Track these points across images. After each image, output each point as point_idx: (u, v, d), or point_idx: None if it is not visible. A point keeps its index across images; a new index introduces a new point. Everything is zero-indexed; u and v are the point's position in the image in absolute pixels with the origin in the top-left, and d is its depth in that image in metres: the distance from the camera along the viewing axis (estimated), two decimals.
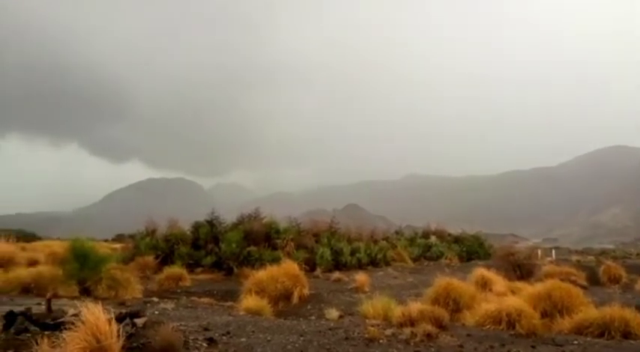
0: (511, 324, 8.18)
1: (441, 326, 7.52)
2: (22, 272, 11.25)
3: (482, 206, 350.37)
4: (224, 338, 6.50)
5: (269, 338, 6.76)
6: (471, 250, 28.30)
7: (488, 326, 8.37)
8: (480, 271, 13.51)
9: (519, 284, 13.33)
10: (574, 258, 28.57)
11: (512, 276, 16.06)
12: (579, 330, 8.23)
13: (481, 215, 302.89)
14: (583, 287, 13.53)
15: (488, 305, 8.94)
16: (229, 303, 11.14)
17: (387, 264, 22.69)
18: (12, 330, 5.41)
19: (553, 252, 34.10)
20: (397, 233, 29.41)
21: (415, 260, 24.67)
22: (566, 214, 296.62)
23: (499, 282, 13.05)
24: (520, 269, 17.39)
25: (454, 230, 32.21)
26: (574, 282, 12.88)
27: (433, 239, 28.25)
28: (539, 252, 28.08)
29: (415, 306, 7.94)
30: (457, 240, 29.49)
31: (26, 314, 5.68)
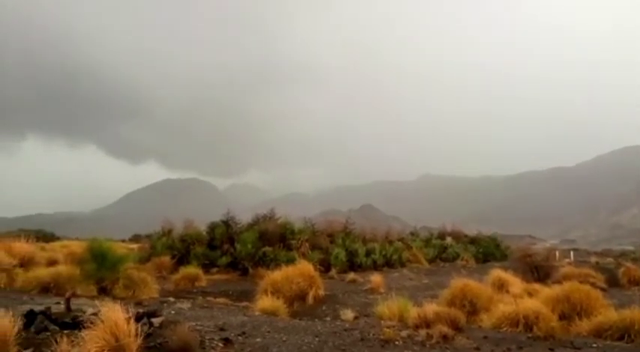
0: (528, 327, 8.09)
1: (457, 328, 7.46)
2: (42, 272, 11.39)
3: (499, 207, 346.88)
4: (240, 338, 6.53)
5: (284, 338, 6.77)
6: (487, 251, 28.02)
7: (505, 329, 8.29)
8: (497, 273, 13.38)
9: (537, 286, 13.17)
10: (593, 259, 28.07)
11: (529, 278, 15.87)
12: (598, 333, 8.11)
13: (497, 216, 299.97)
14: (602, 289, 13.33)
15: (505, 307, 8.84)
16: (245, 303, 11.19)
17: (403, 265, 22.58)
18: (32, 329, 5.49)
19: (571, 253, 33.59)
20: (412, 234, 29.25)
21: (431, 261, 24.51)
22: (585, 215, 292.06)
23: (516, 284, 12.91)
24: (537, 270, 17.19)
25: (470, 231, 31.91)
26: (593, 284, 12.70)
27: (449, 240, 28.04)
28: (557, 253, 27.70)
29: (431, 308, 7.88)
30: (473, 241, 29.23)
31: (46, 313, 5.76)
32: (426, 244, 26.85)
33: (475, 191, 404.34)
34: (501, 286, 12.60)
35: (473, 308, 9.61)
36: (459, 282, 10.24)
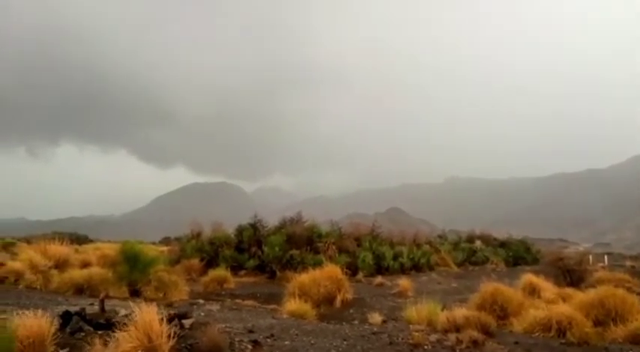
0: (561, 332, 7.91)
1: (487, 332, 7.35)
2: (76, 274, 11.68)
3: (529, 209, 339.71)
4: (268, 340, 6.57)
5: (312, 341, 6.79)
6: (517, 255, 27.54)
7: (537, 334, 8.12)
8: (528, 277, 13.11)
9: (569, 291, 12.83)
10: (628, 263, 27.29)
11: (561, 283, 15.50)
12: (634, 339, 7.87)
13: (527, 219, 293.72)
14: (638, 294, 12.91)
15: (537, 311, 8.66)
16: (272, 306, 11.25)
17: (431, 268, 22.38)
18: (68, 329, 5.64)
19: (605, 257, 32.67)
20: (440, 237, 28.98)
21: (459, 265, 24.22)
22: (619, 218, 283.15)
23: (548, 289, 12.63)
24: (570, 275, 16.76)
25: (499, 234, 31.39)
26: (628, 289, 12.29)
27: (478, 243, 27.66)
28: (591, 257, 26.99)
29: (460, 312, 7.79)
30: (503, 244, 28.76)
31: (81, 314, 5.91)
32: (454, 247, 26.54)
33: (504, 193, 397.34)
34: (533, 291, 12.34)
35: (504, 313, 9.44)
36: (489, 286, 10.08)
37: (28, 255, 12.63)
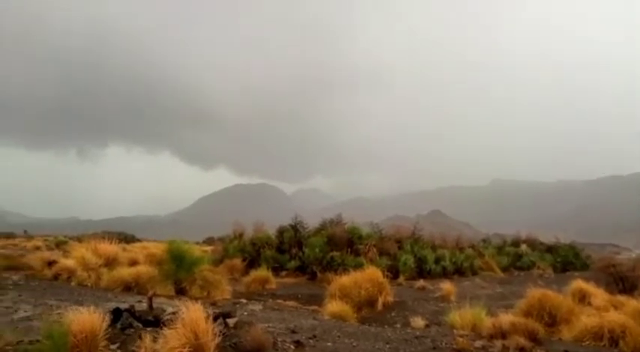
0: (614, 341, 7.60)
1: (535, 340, 7.13)
2: (124, 272, 12.03)
3: (576, 213, 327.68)
4: (310, 341, 6.59)
5: (355, 343, 6.77)
6: (566, 260, 26.53)
7: (587, 342, 7.83)
8: (578, 283, 12.63)
9: (622, 299, 12.27)
10: None
11: (613, 290, 14.84)
12: None
13: (576, 223, 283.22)
14: None
15: (587, 319, 8.34)
16: (314, 307, 11.29)
17: (474, 273, 21.91)
18: (118, 325, 5.83)
19: None
20: (484, 241, 28.30)
21: (504, 270, 23.58)
22: None
23: (599, 296, 12.11)
24: (623, 282, 16.04)
25: (546, 238, 30.36)
26: None
27: (524, 247, 26.84)
28: None
29: (506, 318, 7.59)
30: (550, 249, 27.77)
31: (130, 311, 6.10)
32: (498, 252, 25.89)
33: (550, 196, 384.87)
34: (582, 297, 11.88)
35: (552, 320, 9.13)
36: (536, 292, 9.77)
37: (80, 253, 13.11)
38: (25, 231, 58.41)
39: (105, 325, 5.25)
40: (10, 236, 47.98)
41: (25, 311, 7.55)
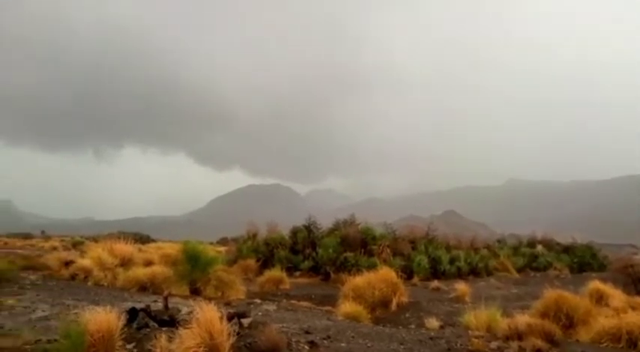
0: (632, 342, 7.48)
1: (551, 341, 7.04)
2: (140, 272, 12.15)
3: (592, 213, 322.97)
4: (325, 342, 6.59)
5: (369, 344, 6.75)
6: (582, 261, 26.20)
7: (605, 344, 7.71)
8: (595, 284, 12.44)
9: None
10: None
11: (631, 291, 14.61)
12: None
13: (592, 223, 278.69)
14: None
15: (605, 320, 8.22)
16: (327, 307, 11.28)
17: (489, 273, 21.73)
18: (134, 325, 5.88)
19: None
20: (499, 241, 28.07)
21: (520, 270, 23.36)
22: None
23: (617, 297, 11.91)
24: None
25: (562, 239, 29.99)
26: None
27: (539, 248, 26.57)
28: None
29: (522, 319, 7.50)
30: (567, 249, 27.45)
31: (146, 311, 6.16)
32: (514, 252, 25.67)
33: (565, 196, 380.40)
34: (600, 298, 11.70)
35: (569, 321, 9.01)
36: (552, 293, 9.65)
37: (96, 253, 13.27)
38: (43, 232, 59.30)
39: (121, 324, 5.29)
40: (27, 236, 48.79)
41: (43, 311, 7.65)
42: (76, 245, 29.67)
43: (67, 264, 13.31)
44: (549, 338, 7.06)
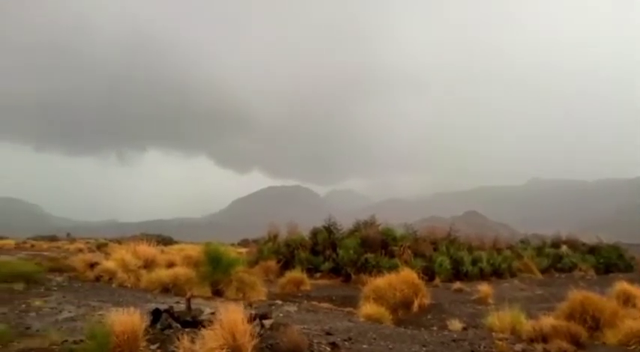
0: None
1: (577, 344, 6.92)
2: (162, 273, 12.31)
3: (620, 213, 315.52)
4: (346, 343, 6.58)
5: (390, 346, 6.72)
6: (608, 262, 25.65)
7: (633, 347, 7.54)
8: (622, 285, 12.16)
9: None
10: None
11: None
12: None
13: (618, 223, 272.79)
14: None
15: (633, 322, 8.03)
16: (348, 309, 11.26)
17: (513, 275, 21.42)
18: (158, 326, 5.96)
19: None
20: (523, 242, 27.66)
21: (544, 271, 22.98)
22: None
23: None
24: None
25: (588, 239, 29.41)
26: None
27: (564, 249, 26.09)
28: None
29: (547, 321, 7.39)
30: (592, 250, 26.89)
31: (169, 312, 6.24)
32: (538, 253, 25.25)
33: (591, 196, 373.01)
34: (627, 300, 11.42)
35: (595, 323, 8.81)
36: (578, 294, 9.46)
37: (120, 255, 13.49)
38: (68, 234, 60.51)
39: (145, 325, 5.38)
40: (53, 239, 49.84)
41: (69, 312, 7.80)
42: (101, 247, 30.13)
43: (92, 265, 13.54)
44: (575, 341, 6.94)
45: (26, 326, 6.78)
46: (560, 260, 24.71)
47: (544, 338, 6.99)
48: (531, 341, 7.06)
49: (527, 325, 7.52)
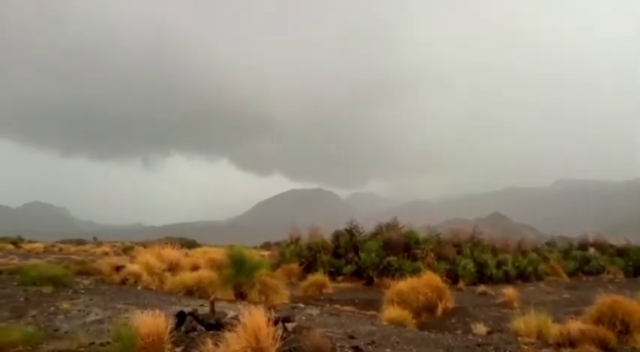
0: None
1: (606, 348, 6.76)
2: (186, 276, 12.45)
3: None
4: (369, 347, 6.54)
5: (414, 350, 6.66)
6: (638, 264, 24.99)
7: None
8: None
9: None
10: None
11: None
12: None
13: None
14: None
15: None
16: (371, 312, 11.19)
17: (539, 278, 21.05)
18: (182, 328, 6.03)
19: None
20: (549, 244, 27.14)
21: (571, 274, 22.52)
22: None
23: None
24: None
25: (616, 241, 28.72)
26: None
27: (592, 251, 25.53)
28: None
29: (575, 325, 7.23)
30: (621, 252, 26.25)
31: (194, 315, 6.31)
32: (564, 256, 24.76)
33: (620, 197, 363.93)
34: None
35: (624, 328, 8.59)
36: (606, 298, 9.23)
37: (145, 258, 13.70)
38: (95, 238, 61.70)
39: (170, 328, 5.44)
40: (80, 242, 50.92)
41: (96, 315, 7.95)
42: (127, 250, 30.68)
43: (118, 268, 13.78)
44: (604, 346, 6.78)
45: (55, 328, 6.93)
46: (587, 262, 24.19)
47: (572, 342, 6.85)
48: (558, 345, 6.92)
49: (554, 329, 7.38)
